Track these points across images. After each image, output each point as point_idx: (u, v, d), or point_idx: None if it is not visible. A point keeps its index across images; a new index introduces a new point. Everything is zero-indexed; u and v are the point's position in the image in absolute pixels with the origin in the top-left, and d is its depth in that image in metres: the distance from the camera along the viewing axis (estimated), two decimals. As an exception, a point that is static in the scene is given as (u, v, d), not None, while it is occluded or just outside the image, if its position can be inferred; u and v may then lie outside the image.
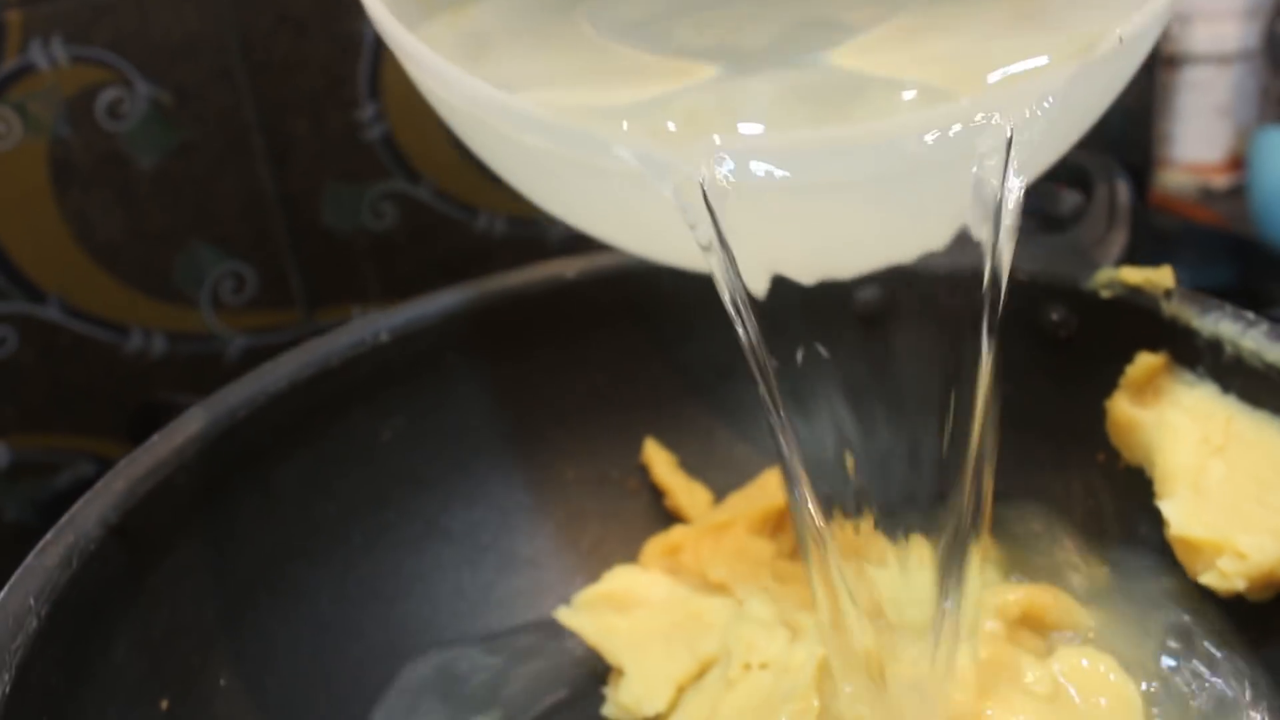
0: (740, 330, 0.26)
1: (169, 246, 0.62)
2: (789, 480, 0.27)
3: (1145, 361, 0.36)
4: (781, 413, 0.26)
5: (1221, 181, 0.81)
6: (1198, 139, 0.82)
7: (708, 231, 0.24)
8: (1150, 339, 0.35)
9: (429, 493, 0.40)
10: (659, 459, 0.41)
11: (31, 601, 0.28)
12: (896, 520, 0.31)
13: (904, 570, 0.31)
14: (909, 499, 0.30)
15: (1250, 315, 0.33)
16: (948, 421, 0.30)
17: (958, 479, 0.30)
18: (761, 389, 0.27)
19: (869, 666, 0.28)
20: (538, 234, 0.68)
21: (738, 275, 0.25)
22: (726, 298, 0.26)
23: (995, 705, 0.29)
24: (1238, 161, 0.80)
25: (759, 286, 0.26)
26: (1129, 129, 0.80)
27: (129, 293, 0.62)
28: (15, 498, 0.64)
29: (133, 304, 0.63)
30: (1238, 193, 0.79)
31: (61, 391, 0.63)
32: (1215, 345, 0.34)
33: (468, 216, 0.68)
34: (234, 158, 0.62)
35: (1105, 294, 0.36)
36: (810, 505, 0.27)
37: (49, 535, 0.31)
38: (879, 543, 0.31)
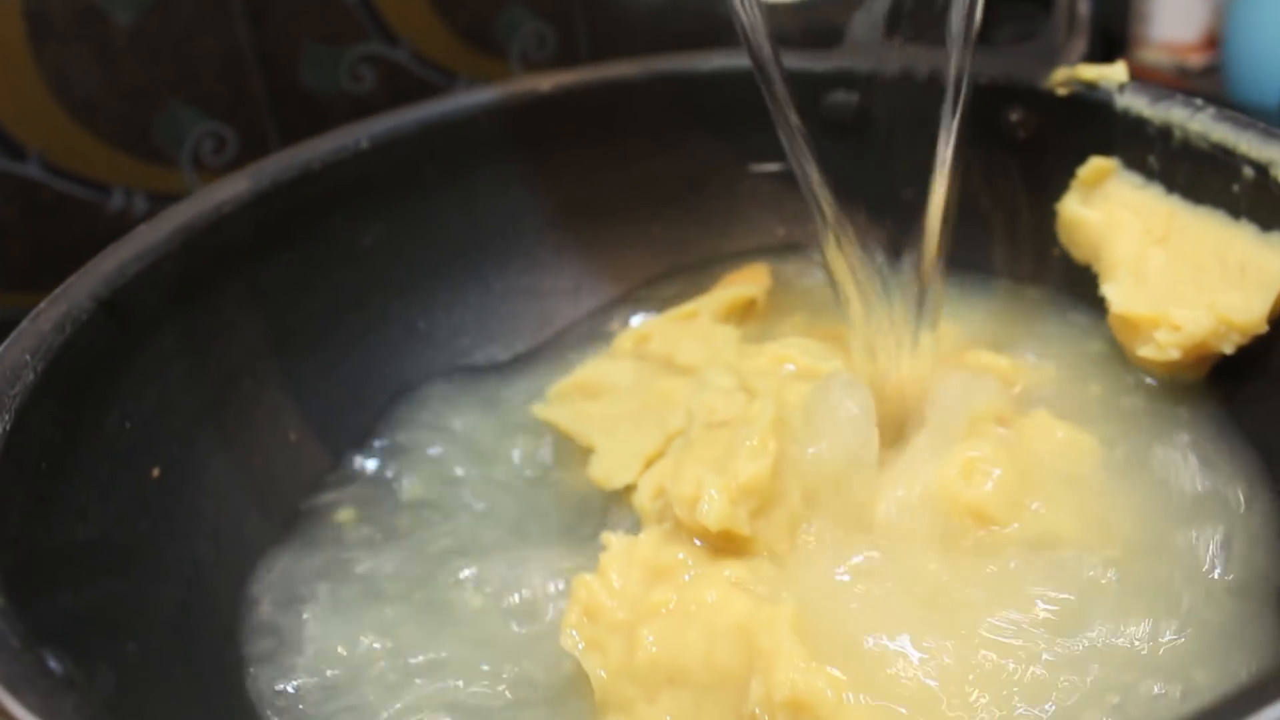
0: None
1: (148, 105, 0.62)
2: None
3: (1096, 164, 0.37)
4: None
5: (1197, 60, 0.81)
6: (1175, 17, 0.81)
7: None
8: (1105, 135, 0.37)
9: (409, 298, 0.41)
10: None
11: (28, 357, 0.30)
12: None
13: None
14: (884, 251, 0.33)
15: (1199, 101, 0.34)
16: (913, 205, 0.32)
17: (919, 254, 0.32)
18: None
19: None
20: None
21: None
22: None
23: (955, 441, 0.31)
24: (1213, 41, 0.79)
25: None
26: (1105, 5, 0.80)
27: (109, 151, 0.62)
28: None
29: (114, 163, 0.62)
30: (1212, 71, 0.79)
31: (45, 251, 0.63)
32: (1165, 132, 0.35)
33: (447, 81, 0.68)
34: (211, 15, 0.62)
35: (1062, 91, 0.37)
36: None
37: (42, 304, 0.32)
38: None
